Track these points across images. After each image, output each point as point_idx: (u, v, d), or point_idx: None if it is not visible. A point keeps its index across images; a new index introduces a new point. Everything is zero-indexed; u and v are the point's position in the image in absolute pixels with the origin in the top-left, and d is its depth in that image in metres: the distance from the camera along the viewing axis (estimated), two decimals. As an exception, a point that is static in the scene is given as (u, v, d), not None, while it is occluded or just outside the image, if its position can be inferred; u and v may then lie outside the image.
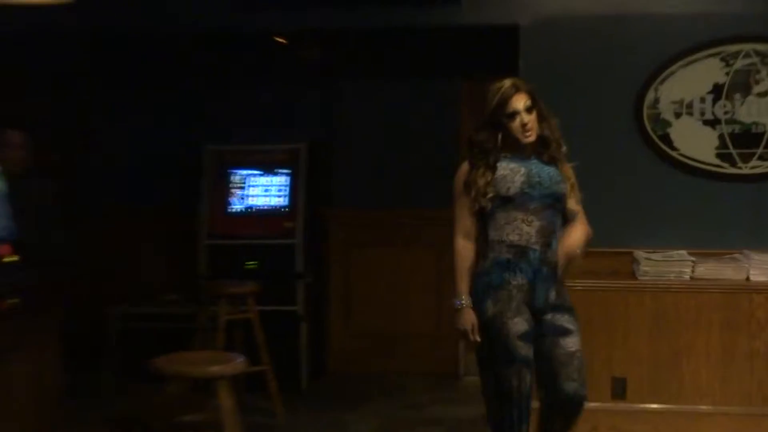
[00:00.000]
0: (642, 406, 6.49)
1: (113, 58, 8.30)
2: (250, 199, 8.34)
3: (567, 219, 4.80)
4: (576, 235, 4.78)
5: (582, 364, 4.69)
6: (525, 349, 4.63)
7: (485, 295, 4.70)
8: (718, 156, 6.79)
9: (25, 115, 7.14)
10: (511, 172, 4.71)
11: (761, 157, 6.75)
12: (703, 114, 6.80)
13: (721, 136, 6.78)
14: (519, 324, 4.62)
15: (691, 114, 6.81)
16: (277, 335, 7.60)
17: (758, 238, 6.71)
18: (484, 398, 4.80)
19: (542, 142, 4.77)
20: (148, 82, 8.67)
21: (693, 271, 6.59)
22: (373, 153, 8.68)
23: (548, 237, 4.69)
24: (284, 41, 8.17)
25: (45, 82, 8.23)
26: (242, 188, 8.35)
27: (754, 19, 6.79)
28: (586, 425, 5.81)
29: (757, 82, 6.77)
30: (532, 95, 4.74)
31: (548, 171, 4.76)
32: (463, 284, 4.78)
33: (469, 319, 4.69)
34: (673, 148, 6.83)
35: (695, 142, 6.82)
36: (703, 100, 6.81)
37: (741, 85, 6.79)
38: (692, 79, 6.82)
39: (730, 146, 6.77)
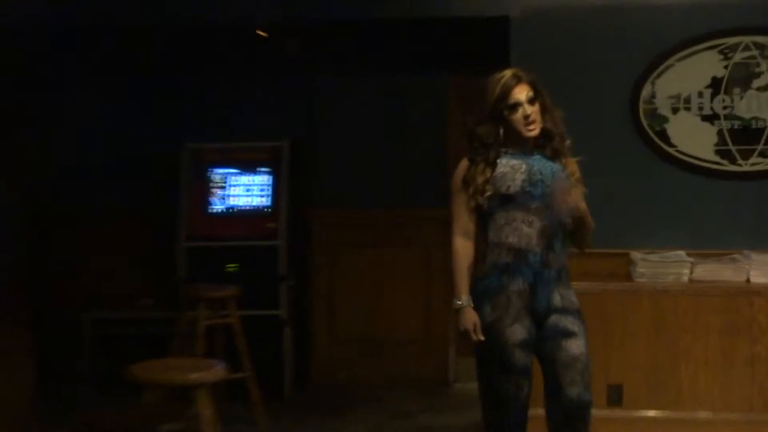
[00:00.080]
0: (639, 413, 6.49)
1: (86, 50, 8.27)
2: (230, 199, 8.33)
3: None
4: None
5: (586, 367, 4.64)
6: (523, 358, 4.61)
7: (483, 300, 4.66)
8: (717, 153, 6.80)
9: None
10: (512, 170, 4.66)
11: (762, 154, 6.77)
12: (701, 109, 6.81)
13: (720, 132, 6.80)
14: (517, 331, 4.60)
15: (688, 109, 6.82)
16: (259, 341, 7.58)
17: (759, 238, 6.72)
18: (481, 403, 4.79)
19: (545, 135, 4.71)
20: (123, 76, 8.65)
21: (691, 273, 6.60)
22: (358, 151, 8.66)
23: (550, 238, 4.63)
24: (265, 34, 8.16)
25: (14, 76, 8.20)
26: (223, 188, 8.34)
27: (753, 10, 6.81)
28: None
29: (757, 76, 6.79)
30: (534, 86, 4.69)
31: (551, 167, 4.70)
32: (463, 284, 4.70)
33: (470, 318, 4.63)
34: (671, 145, 6.84)
35: (693, 138, 6.83)
36: (701, 94, 6.83)
37: (740, 78, 6.80)
38: (690, 73, 6.83)
39: (730, 142, 6.78)
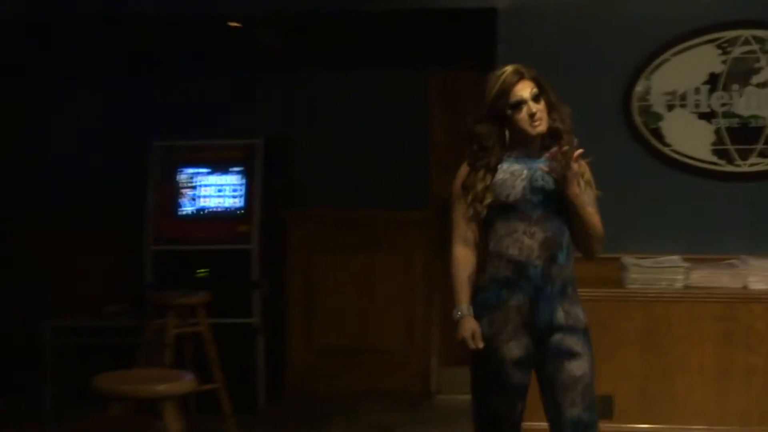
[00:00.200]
0: (630, 426, 6.48)
1: (49, 44, 8.26)
2: (201, 200, 8.32)
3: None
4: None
5: (588, 388, 4.54)
6: (518, 377, 4.56)
7: (481, 314, 4.57)
8: (714, 152, 6.83)
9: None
10: (512, 176, 4.56)
11: (761, 154, 6.80)
12: (697, 106, 6.84)
13: (717, 131, 6.82)
14: (514, 349, 4.54)
15: (684, 106, 6.84)
16: (231, 350, 7.56)
17: (757, 243, 6.74)
18: (472, 418, 4.75)
19: (553, 135, 4.57)
20: (89, 70, 8.64)
21: (686, 279, 6.60)
22: (337, 149, 8.67)
23: (553, 250, 4.53)
24: (238, 24, 8.15)
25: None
26: (193, 188, 8.34)
27: (753, 3, 6.84)
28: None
29: (757, 72, 6.82)
30: (538, 82, 4.57)
31: None
32: (462, 294, 4.61)
33: (468, 326, 4.52)
34: (665, 144, 6.86)
35: (689, 136, 6.86)
36: (697, 91, 6.85)
37: (739, 74, 6.82)
38: (686, 68, 6.86)
39: (727, 141, 6.81)
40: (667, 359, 6.49)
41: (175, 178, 8.35)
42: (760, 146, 6.79)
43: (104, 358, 5.97)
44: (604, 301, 6.49)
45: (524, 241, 4.52)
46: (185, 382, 4.75)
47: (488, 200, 4.55)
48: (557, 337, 4.55)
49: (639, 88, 6.86)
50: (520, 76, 4.55)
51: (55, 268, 8.65)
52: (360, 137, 8.63)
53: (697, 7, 6.84)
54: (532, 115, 4.51)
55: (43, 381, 8.10)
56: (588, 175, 4.67)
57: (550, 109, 4.58)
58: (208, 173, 8.33)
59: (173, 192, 8.32)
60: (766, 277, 6.55)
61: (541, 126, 4.53)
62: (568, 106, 4.66)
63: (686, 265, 6.62)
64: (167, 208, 8.29)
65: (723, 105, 6.80)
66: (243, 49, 8.52)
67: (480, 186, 4.57)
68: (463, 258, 4.65)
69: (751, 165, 6.81)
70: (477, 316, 4.56)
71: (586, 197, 4.57)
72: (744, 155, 6.81)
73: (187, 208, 8.32)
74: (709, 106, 6.81)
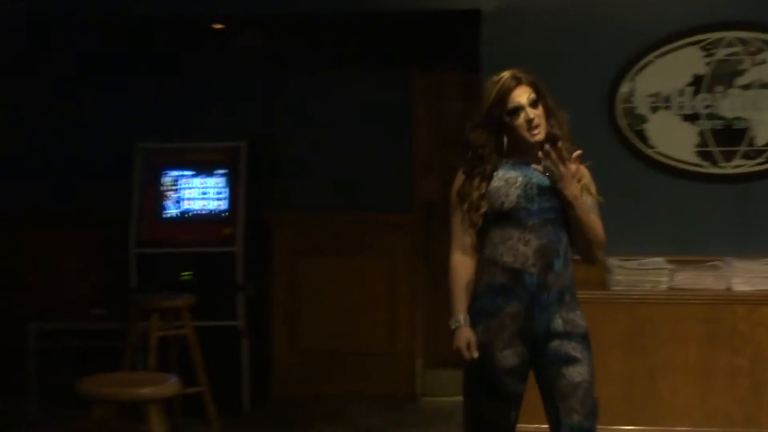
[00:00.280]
0: (615, 428, 6.48)
1: (31, 44, 8.25)
2: (185, 202, 8.32)
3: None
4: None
5: (588, 394, 4.50)
6: (512, 386, 4.54)
7: (477, 321, 4.54)
8: (698, 154, 6.87)
9: None
10: (506, 184, 4.52)
11: (745, 156, 6.83)
12: (681, 108, 6.87)
13: (701, 133, 6.86)
14: (508, 357, 4.51)
15: (668, 108, 6.88)
16: (215, 353, 7.57)
17: (741, 244, 6.78)
18: (463, 424, 4.76)
19: (551, 141, 4.50)
20: (71, 71, 8.62)
21: (670, 281, 6.65)
22: (321, 151, 8.65)
23: (549, 257, 4.49)
24: (221, 26, 8.16)
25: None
26: (176, 191, 8.33)
27: (737, 5, 6.88)
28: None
29: (741, 73, 6.86)
30: (536, 87, 4.53)
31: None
32: (459, 303, 4.59)
33: (463, 337, 4.50)
34: (649, 146, 6.90)
35: (673, 138, 6.89)
36: (681, 92, 6.89)
37: (723, 76, 6.85)
38: (670, 70, 6.89)
39: (711, 143, 6.84)
40: (651, 361, 6.53)
41: (159, 180, 8.33)
42: (743, 148, 6.83)
43: (89, 361, 5.98)
44: (589, 303, 6.38)
45: (519, 248, 4.48)
46: (169, 385, 4.76)
47: (483, 209, 4.52)
48: (555, 343, 4.52)
49: (623, 90, 6.89)
50: (517, 82, 4.51)
51: (39, 272, 8.65)
52: (344, 139, 8.61)
53: (680, 9, 6.87)
54: (529, 122, 4.47)
55: (28, 384, 8.12)
56: (586, 179, 4.65)
57: (548, 114, 4.55)
58: (192, 176, 8.33)
59: (157, 194, 8.30)
60: (749, 279, 6.60)
61: (540, 134, 4.49)
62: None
63: (670, 266, 6.67)
64: (151, 210, 8.27)
65: (707, 107, 6.84)
66: (226, 51, 8.53)
67: (475, 195, 4.54)
68: (461, 266, 4.63)
69: (735, 167, 6.85)
70: (473, 323, 4.54)
71: (585, 201, 4.55)
72: (728, 157, 6.84)
73: (172, 211, 8.31)
74: (693, 107, 6.85)
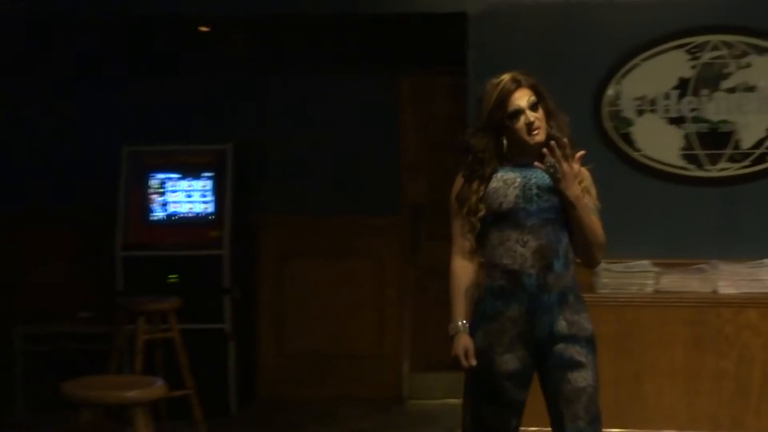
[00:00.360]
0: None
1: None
2: (172, 205, 8.32)
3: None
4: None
5: (592, 400, 4.47)
6: (513, 391, 4.51)
7: (478, 324, 4.52)
8: (684, 157, 6.88)
9: None
10: (504, 184, 4.50)
11: (730, 159, 6.85)
12: (667, 111, 6.88)
13: (686, 136, 6.87)
14: (509, 362, 4.49)
15: (654, 111, 6.89)
16: (202, 356, 7.59)
17: (727, 247, 6.79)
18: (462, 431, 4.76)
19: (551, 142, 4.46)
20: (58, 72, 8.61)
21: (656, 283, 6.66)
22: (308, 154, 8.67)
23: (548, 258, 4.46)
24: (207, 29, 8.17)
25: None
26: (163, 193, 8.34)
27: (722, 8, 6.89)
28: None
29: (726, 77, 6.88)
30: (536, 90, 4.51)
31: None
32: (459, 308, 4.56)
33: (462, 344, 4.47)
34: (635, 149, 6.91)
35: (659, 142, 6.90)
36: (667, 96, 6.90)
37: (709, 79, 6.86)
38: (656, 73, 6.90)
39: (697, 147, 6.86)
40: (637, 363, 6.53)
41: (146, 183, 8.33)
42: (729, 151, 6.84)
43: (75, 363, 5.98)
44: (575, 306, 6.52)
45: (517, 249, 4.46)
46: (156, 388, 4.75)
47: (482, 212, 4.50)
48: (560, 346, 4.49)
49: (609, 93, 6.91)
50: (517, 84, 4.49)
51: (25, 275, 8.64)
52: (331, 142, 8.62)
53: (666, 12, 6.88)
54: (529, 125, 4.45)
55: (14, 387, 8.12)
56: (587, 182, 4.61)
57: (549, 117, 4.52)
58: (179, 178, 8.34)
59: (143, 197, 8.31)
60: (735, 282, 6.60)
61: (540, 136, 4.46)
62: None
63: (656, 269, 6.68)
64: (137, 213, 8.28)
65: (692, 110, 6.85)
66: (214, 53, 8.54)
67: (474, 198, 4.52)
68: (461, 271, 4.61)
69: (721, 170, 6.86)
70: (474, 327, 4.52)
71: (586, 202, 4.52)
72: (713, 160, 6.86)
73: (158, 214, 8.32)
74: (678, 111, 6.86)
